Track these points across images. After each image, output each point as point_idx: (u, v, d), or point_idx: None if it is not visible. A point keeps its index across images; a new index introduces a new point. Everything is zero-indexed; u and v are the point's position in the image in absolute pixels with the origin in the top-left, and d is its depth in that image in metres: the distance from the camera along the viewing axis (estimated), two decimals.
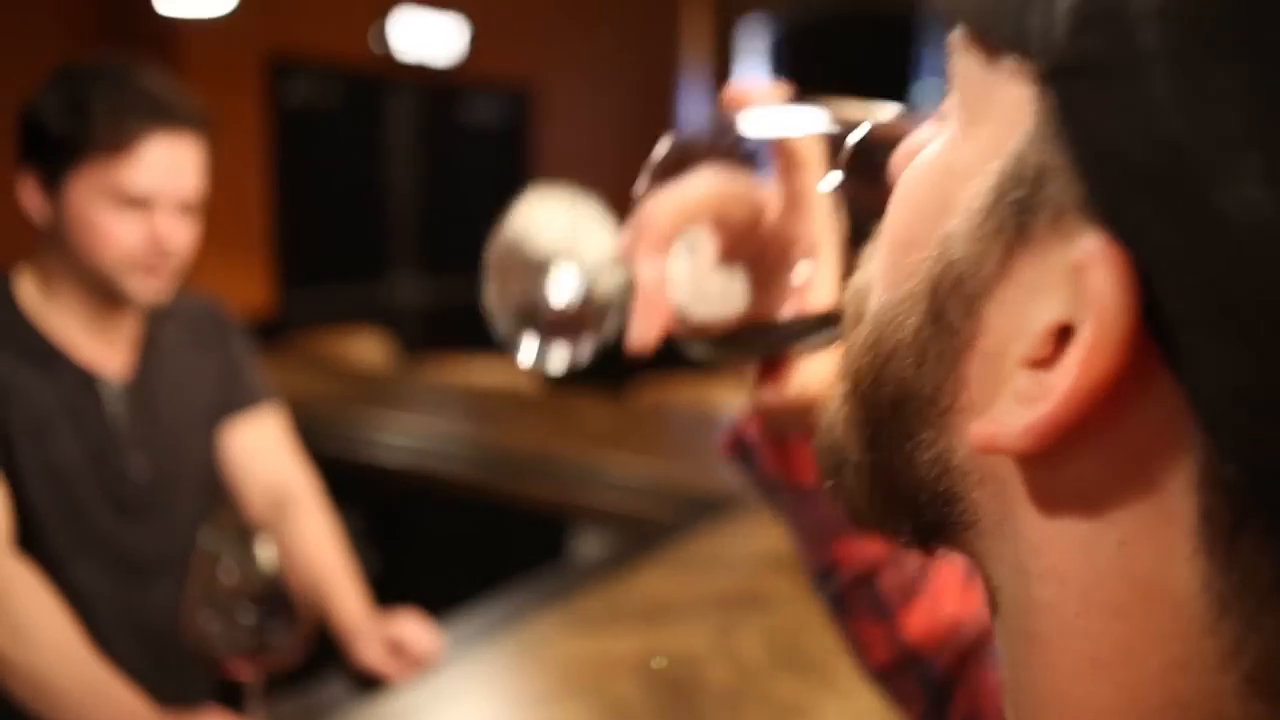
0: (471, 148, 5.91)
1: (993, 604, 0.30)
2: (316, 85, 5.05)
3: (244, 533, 1.05)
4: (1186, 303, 0.21)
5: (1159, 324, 0.22)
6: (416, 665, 1.29)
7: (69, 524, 1.25)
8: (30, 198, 1.22)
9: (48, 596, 1.14)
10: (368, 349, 4.00)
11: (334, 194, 5.22)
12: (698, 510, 1.96)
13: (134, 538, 1.31)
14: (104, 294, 1.26)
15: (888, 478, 0.30)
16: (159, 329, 1.37)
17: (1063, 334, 0.24)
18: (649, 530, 1.96)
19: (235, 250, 4.28)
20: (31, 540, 1.20)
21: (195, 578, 1.03)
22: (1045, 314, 0.24)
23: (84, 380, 1.27)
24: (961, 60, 0.28)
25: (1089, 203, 0.23)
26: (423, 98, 5.52)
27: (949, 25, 0.28)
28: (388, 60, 5.20)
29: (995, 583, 0.29)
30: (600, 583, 1.59)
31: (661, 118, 6.89)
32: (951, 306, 0.27)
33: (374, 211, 5.45)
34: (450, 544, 2.49)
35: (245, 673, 1.02)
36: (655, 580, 1.62)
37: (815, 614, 1.48)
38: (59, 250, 1.24)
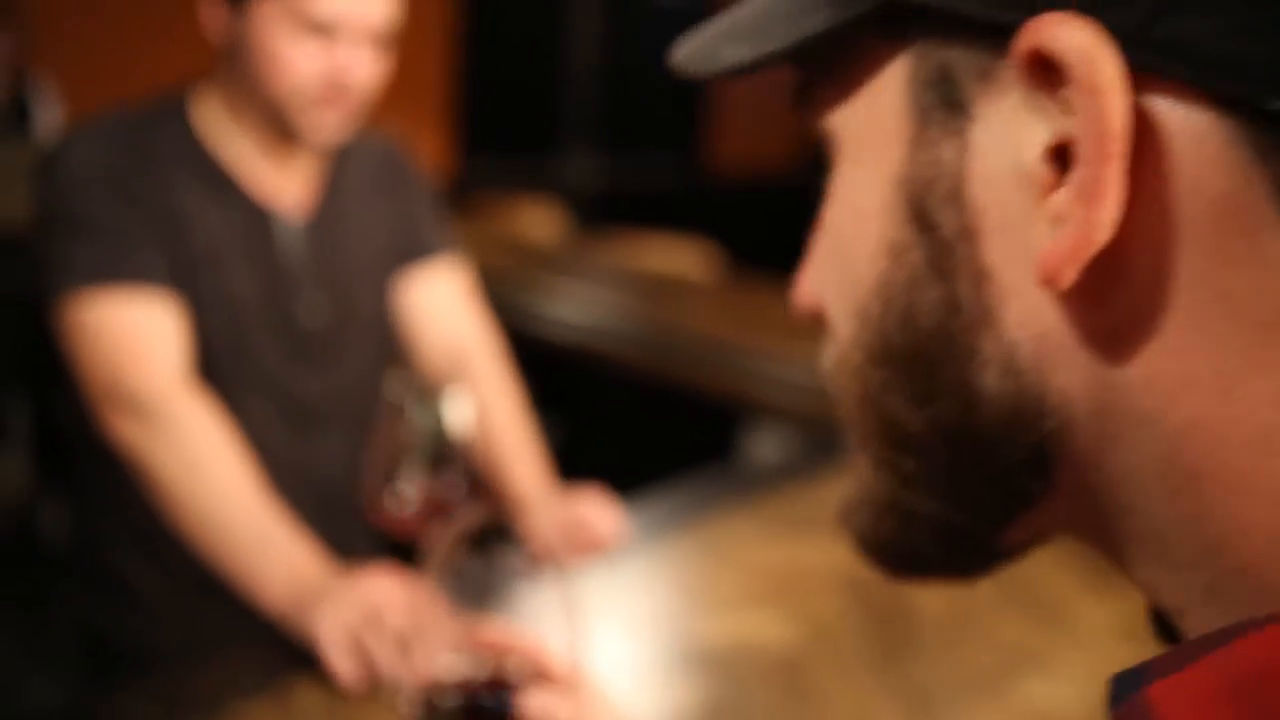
0: (658, 26, 5.69)
1: (1110, 529, 0.28)
2: None
3: (432, 388, 0.95)
4: (1127, 3, 0.23)
5: (1128, 54, 0.23)
6: (596, 549, 1.18)
7: (242, 362, 1.17)
8: (211, 15, 1.11)
9: (225, 433, 1.07)
10: (541, 221, 3.91)
11: (518, 62, 5.12)
12: None
13: (304, 383, 1.23)
14: (280, 126, 1.15)
15: (963, 431, 0.28)
16: (340, 167, 1.26)
17: (1059, 152, 0.25)
18: (833, 434, 1.80)
19: (415, 108, 4.23)
20: (207, 376, 1.13)
21: (377, 430, 0.93)
22: (1031, 147, 0.25)
23: (258, 214, 1.18)
24: (828, 120, 0.31)
25: (989, 36, 0.25)
26: None
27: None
28: None
29: (1124, 469, 0.26)
30: (789, 485, 1.45)
31: None
32: (937, 212, 0.27)
33: (557, 83, 5.34)
34: (617, 428, 2.39)
35: (424, 537, 0.92)
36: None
37: (1042, 551, 1.32)
38: (237, 74, 1.13)
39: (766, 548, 1.25)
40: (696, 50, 0.35)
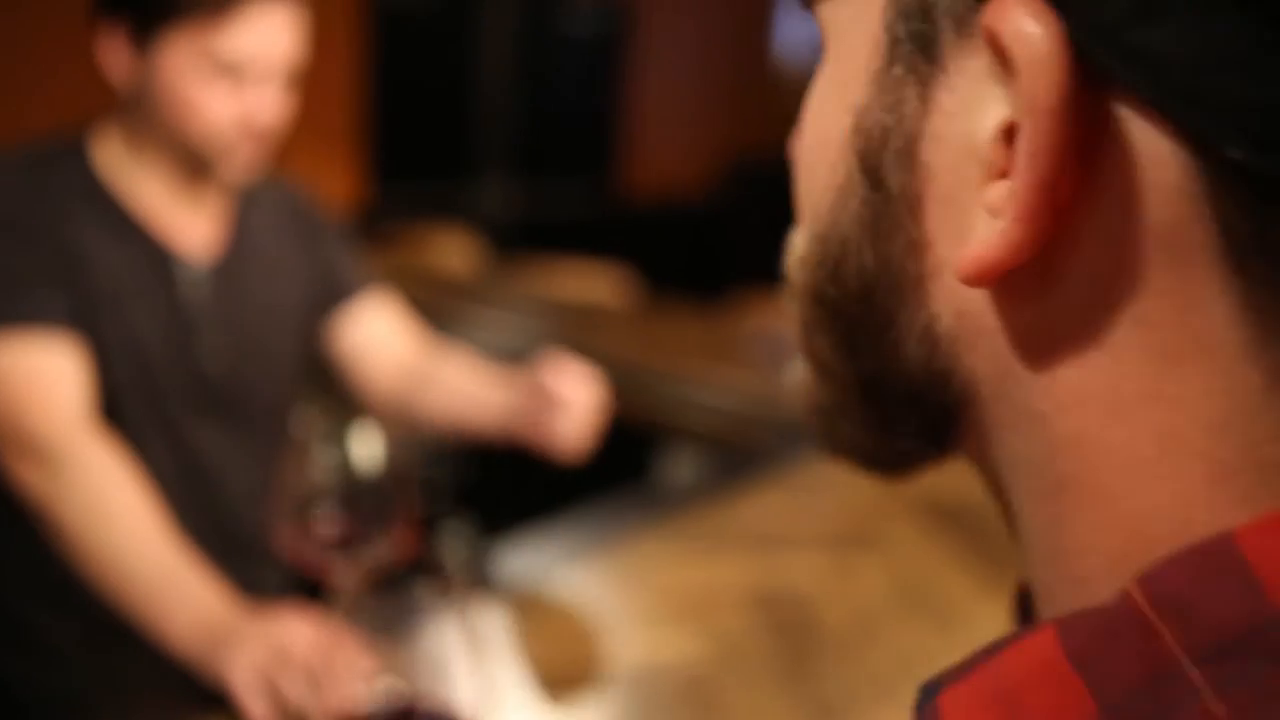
0: (568, 55, 5.75)
1: (1004, 497, 0.29)
2: None
3: (340, 425, 0.96)
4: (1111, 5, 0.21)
5: (1093, 55, 0.22)
6: (568, 414, 1.17)
7: (145, 404, 1.17)
8: (114, 56, 1.11)
9: (129, 476, 1.06)
10: (456, 249, 3.91)
11: (428, 92, 5.13)
12: (805, 437, 1.84)
13: (207, 427, 1.23)
14: (190, 166, 1.16)
15: (879, 383, 0.30)
16: (246, 211, 1.26)
17: (1012, 133, 0.23)
18: (746, 455, 1.84)
19: (324, 139, 4.21)
20: (110, 418, 1.12)
21: (286, 468, 0.94)
22: (987, 121, 0.24)
23: (160, 256, 1.18)
24: (820, 8, 0.29)
25: None
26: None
27: None
28: None
29: (1008, 457, 0.28)
30: (701, 505, 1.48)
31: (760, 37, 6.67)
32: (887, 167, 0.26)
33: (467, 112, 5.34)
34: (533, 453, 2.41)
35: (333, 574, 0.93)
36: (761, 509, 1.51)
37: (940, 556, 1.38)
38: (142, 114, 1.14)
39: (678, 568, 1.28)
40: None
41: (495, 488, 1.35)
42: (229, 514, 1.24)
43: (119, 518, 1.03)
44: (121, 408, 1.14)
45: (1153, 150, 0.22)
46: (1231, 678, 0.21)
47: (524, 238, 5.02)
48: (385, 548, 0.94)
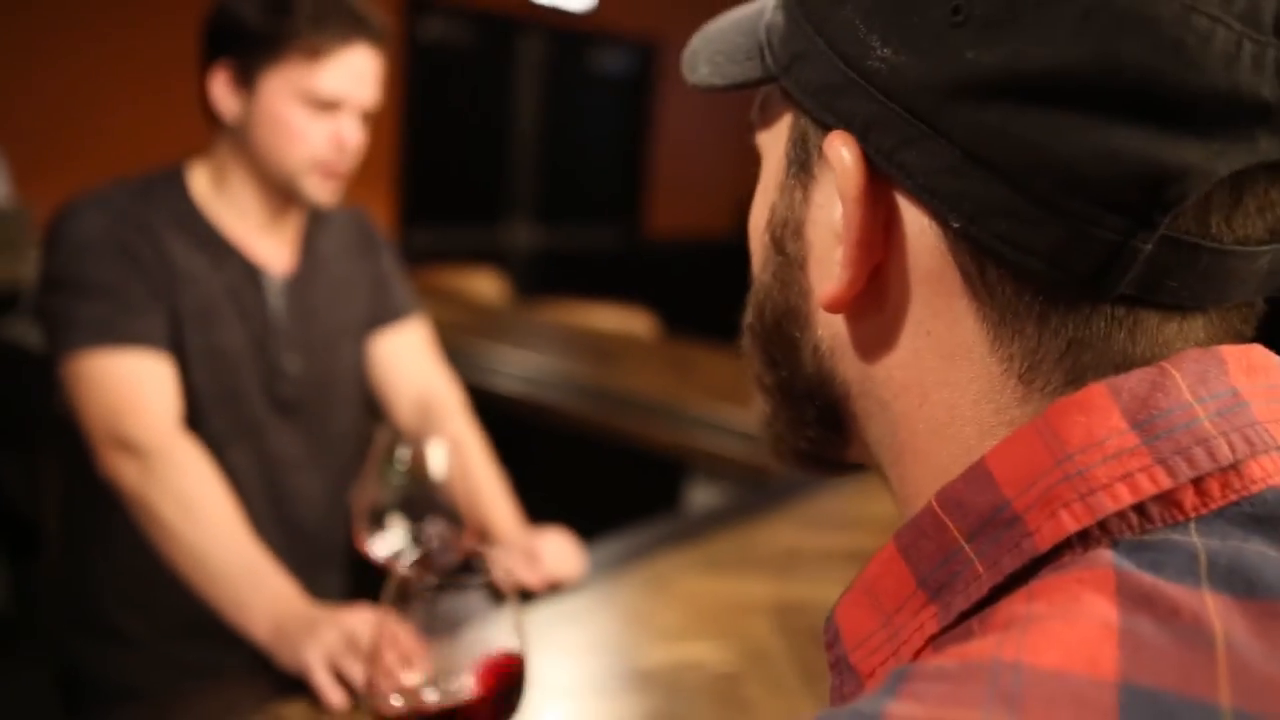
0: (596, 96, 5.89)
1: (881, 471, 0.42)
2: (450, 24, 5.08)
3: (414, 439, 1.06)
4: (884, 135, 0.35)
5: (880, 166, 0.35)
6: (559, 580, 1.29)
7: (227, 410, 1.28)
8: (221, 92, 1.24)
9: (214, 476, 1.17)
10: (483, 287, 4.03)
11: (459, 134, 5.26)
12: None
13: (284, 433, 1.34)
14: (280, 192, 1.29)
15: (791, 386, 0.43)
16: (318, 233, 1.39)
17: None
18: (770, 484, 1.93)
19: (361, 182, 4.35)
20: (193, 424, 1.23)
21: (364, 477, 1.04)
22: (836, 210, 0.37)
23: (250, 272, 1.30)
24: (758, 138, 0.44)
25: (820, 126, 0.38)
26: (552, 43, 5.52)
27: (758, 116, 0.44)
28: (521, 3, 5.20)
29: (874, 435, 0.41)
30: (726, 529, 1.58)
31: None
32: (787, 240, 0.41)
33: (497, 154, 5.48)
34: (562, 483, 2.51)
35: (400, 574, 1.03)
36: (784, 532, 1.60)
37: None
38: (239, 146, 1.26)
39: (705, 582, 1.37)
40: (688, 54, 0.47)
41: (534, 513, 1.45)
42: (300, 516, 1.35)
43: (205, 513, 1.13)
44: (206, 414, 1.25)
45: (919, 223, 0.36)
46: (986, 544, 0.34)
47: (550, 279, 5.14)
48: (452, 549, 1.04)
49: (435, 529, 1.06)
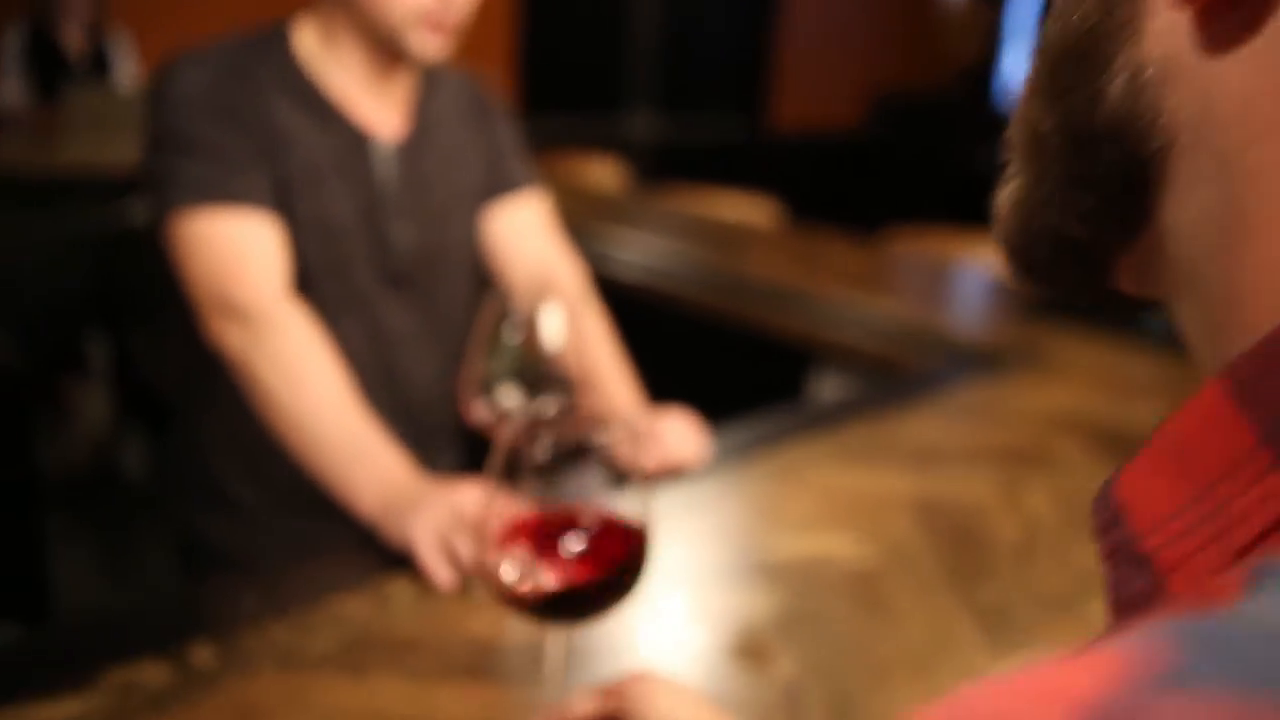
0: None
1: (1179, 294, 0.31)
2: None
3: (529, 304, 0.97)
4: None
5: None
6: (679, 465, 1.21)
7: (336, 282, 1.21)
8: None
9: (322, 343, 1.11)
10: (602, 176, 3.92)
11: (578, 18, 5.11)
12: (960, 361, 1.79)
13: (395, 307, 1.27)
14: (385, 50, 1.19)
15: (1084, 128, 0.31)
16: (430, 97, 1.30)
17: None
18: (901, 376, 1.80)
19: (478, 65, 4.26)
20: (302, 294, 1.17)
21: (475, 343, 0.96)
22: None
23: (356, 137, 1.22)
24: None
25: None
26: None
27: None
28: None
29: (1193, 212, 0.29)
30: (860, 421, 1.46)
31: None
32: None
33: (616, 39, 5.32)
34: (682, 373, 2.42)
35: (515, 448, 0.95)
36: (924, 426, 1.48)
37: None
38: (343, 3, 1.17)
39: (839, 474, 1.27)
40: None
41: (653, 401, 1.36)
42: (411, 392, 1.28)
43: (313, 382, 1.07)
44: (314, 284, 1.18)
45: None
46: None
47: (670, 170, 4.99)
48: (567, 423, 0.96)
49: (548, 401, 0.97)
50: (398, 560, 0.97)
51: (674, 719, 0.61)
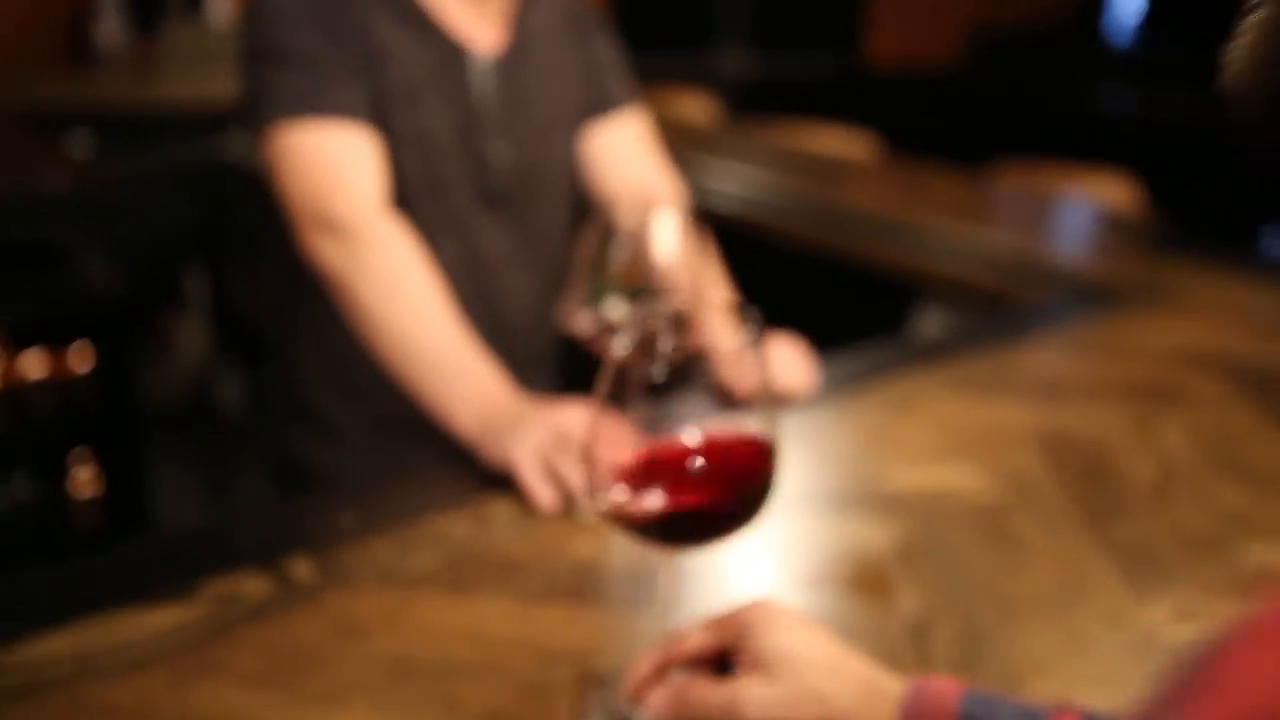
0: None
1: None
2: None
3: (638, 217, 0.92)
4: None
5: None
6: (786, 393, 1.15)
7: (433, 202, 1.18)
8: None
9: (420, 259, 1.07)
10: (694, 111, 3.83)
11: None
12: (1076, 296, 1.69)
13: (492, 228, 1.23)
14: None
15: None
16: (528, 11, 1.24)
17: None
18: (1010, 310, 1.71)
19: None
20: (401, 213, 1.13)
21: (581, 256, 0.91)
22: None
23: (454, 51, 1.17)
24: None
25: None
26: None
27: None
28: None
29: None
30: (974, 353, 1.38)
31: None
32: None
33: None
34: (782, 307, 2.35)
35: (619, 360, 0.90)
36: (1043, 359, 1.39)
37: (1249, 419, 1.24)
38: None
39: (956, 405, 1.20)
40: None
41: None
42: (508, 316, 1.25)
43: (411, 296, 1.04)
44: (411, 201, 1.15)
45: None
46: None
47: (762, 105, 4.87)
48: (669, 344, 0.91)
49: (656, 318, 0.92)
50: (498, 481, 0.94)
51: (794, 650, 0.57)
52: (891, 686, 0.56)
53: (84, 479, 2.09)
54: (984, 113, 5.12)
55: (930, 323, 1.97)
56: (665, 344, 0.91)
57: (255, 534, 0.87)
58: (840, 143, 3.20)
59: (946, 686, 0.55)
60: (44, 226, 2.05)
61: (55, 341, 2.04)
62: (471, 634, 0.73)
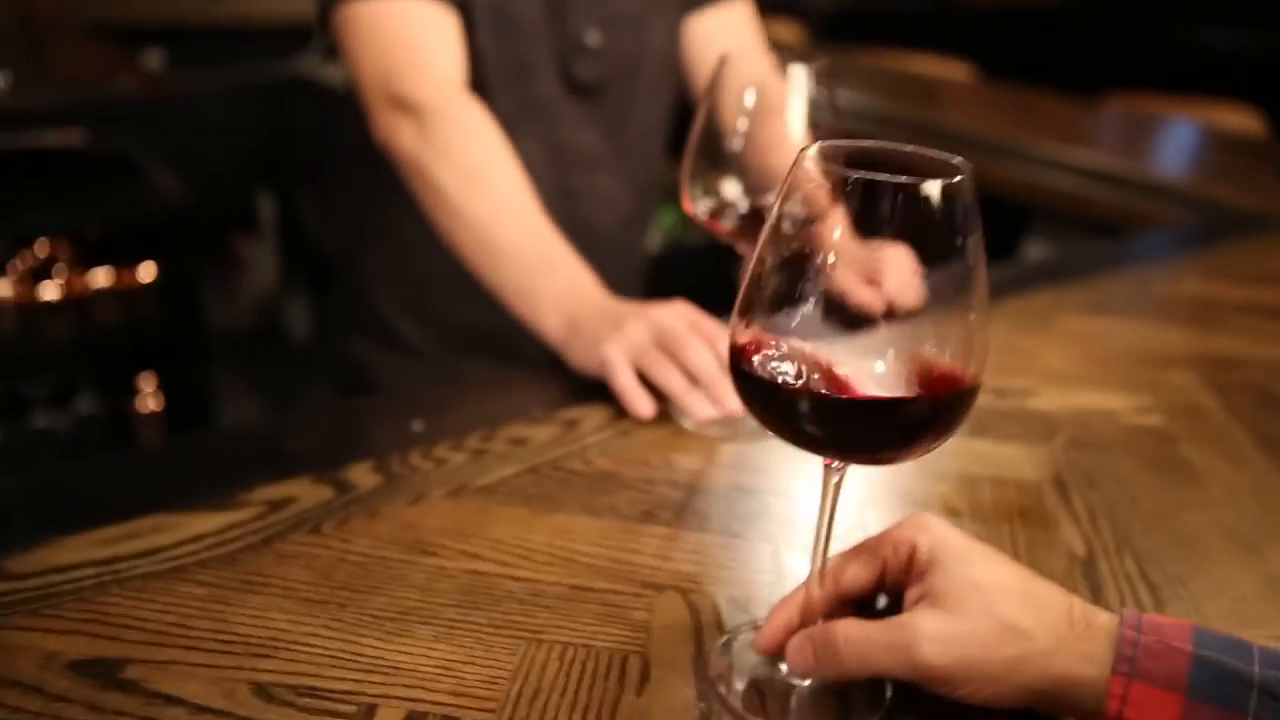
0: None
1: None
2: None
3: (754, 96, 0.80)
4: None
5: None
6: (897, 306, 1.02)
7: (516, 88, 1.06)
8: None
9: (502, 143, 0.96)
10: (783, 36, 3.65)
11: None
12: (1211, 222, 1.53)
13: (581, 122, 1.11)
14: None
15: None
16: None
17: None
18: (1144, 235, 1.55)
19: None
20: (481, 99, 1.02)
21: (696, 134, 0.78)
22: None
23: None
24: None
25: None
26: None
27: None
28: None
29: None
30: (1107, 273, 1.23)
31: None
32: None
33: None
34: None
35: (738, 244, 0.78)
36: (1187, 281, 1.24)
37: None
38: None
39: (1098, 324, 1.06)
40: None
41: None
42: (596, 223, 1.14)
43: (491, 183, 0.92)
44: (491, 92, 1.03)
45: None
46: None
47: (849, 35, 4.65)
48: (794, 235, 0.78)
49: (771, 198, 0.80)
50: (588, 389, 0.83)
51: (980, 577, 0.45)
52: (1100, 619, 0.44)
53: (149, 396, 2.04)
54: (1084, 47, 4.84)
55: (1041, 244, 1.81)
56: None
57: (313, 436, 0.77)
58: (935, 69, 3.01)
59: (1172, 622, 0.43)
60: (116, 137, 1.98)
61: (124, 258, 1.97)
62: (556, 556, 0.63)
